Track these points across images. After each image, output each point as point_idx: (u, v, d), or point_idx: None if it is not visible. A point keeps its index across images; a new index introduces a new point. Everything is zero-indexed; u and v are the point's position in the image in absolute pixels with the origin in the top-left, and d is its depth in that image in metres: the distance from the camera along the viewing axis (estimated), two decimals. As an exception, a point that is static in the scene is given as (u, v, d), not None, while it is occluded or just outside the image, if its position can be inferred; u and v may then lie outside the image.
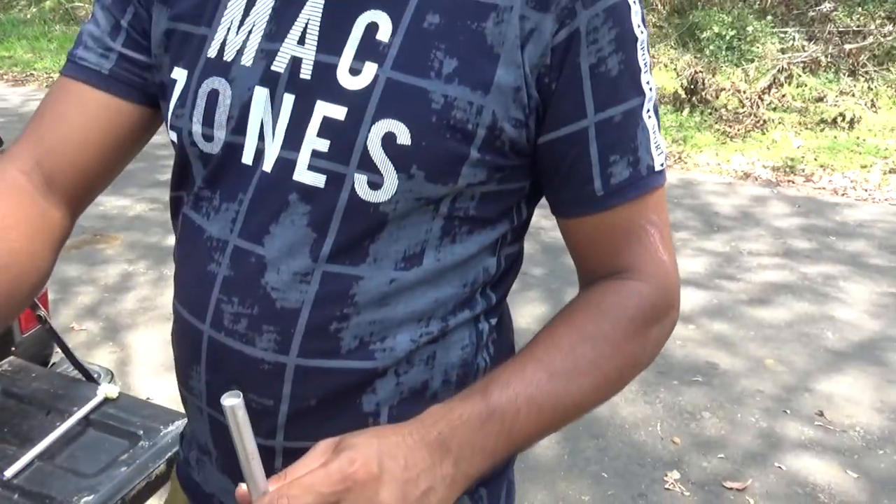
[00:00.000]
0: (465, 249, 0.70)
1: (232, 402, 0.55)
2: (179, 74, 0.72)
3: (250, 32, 0.69)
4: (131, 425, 1.45)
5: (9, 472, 1.42)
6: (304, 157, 0.66)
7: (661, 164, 0.71)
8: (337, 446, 0.58)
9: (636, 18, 0.67)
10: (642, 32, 0.68)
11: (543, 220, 4.47)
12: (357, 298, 0.68)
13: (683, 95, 6.67)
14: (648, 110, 0.69)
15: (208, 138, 0.70)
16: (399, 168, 0.64)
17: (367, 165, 0.65)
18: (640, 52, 0.67)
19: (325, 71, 0.66)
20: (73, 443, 1.46)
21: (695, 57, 7.42)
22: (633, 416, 2.72)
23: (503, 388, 0.65)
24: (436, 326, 0.70)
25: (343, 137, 0.65)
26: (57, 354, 2.02)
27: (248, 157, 0.69)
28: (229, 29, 0.70)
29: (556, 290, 3.65)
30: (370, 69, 0.65)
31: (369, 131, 0.64)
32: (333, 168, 0.66)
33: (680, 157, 5.82)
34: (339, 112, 0.65)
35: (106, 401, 1.50)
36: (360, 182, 0.65)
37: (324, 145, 0.66)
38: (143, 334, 3.22)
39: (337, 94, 0.65)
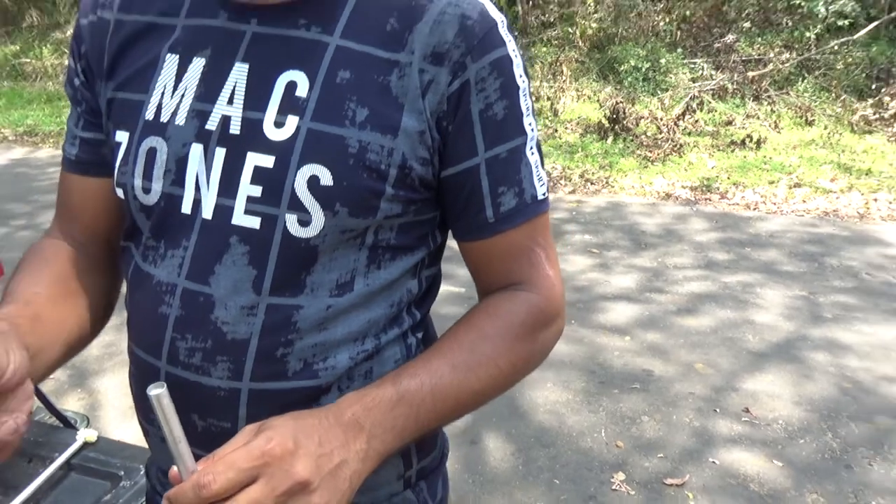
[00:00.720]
0: (390, 274, 0.76)
1: (157, 391, 0.58)
2: (122, 137, 0.77)
3: (183, 95, 0.74)
4: (112, 467, 1.45)
5: (-3, 518, 1.41)
6: (240, 203, 0.71)
7: (544, 194, 0.77)
8: (259, 428, 0.62)
9: (518, 70, 0.73)
10: (523, 81, 0.74)
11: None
12: (299, 325, 0.72)
13: (607, 125, 6.88)
14: (531, 148, 0.75)
15: (147, 191, 0.75)
16: (324, 206, 0.69)
17: (296, 206, 0.70)
18: (522, 98, 0.74)
19: (252, 126, 0.71)
20: (56, 487, 1.45)
21: (615, 88, 7.67)
22: (580, 424, 2.80)
23: (412, 377, 0.71)
24: (370, 344, 0.76)
25: (273, 183, 0.70)
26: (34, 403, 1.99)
27: (186, 207, 0.73)
28: (163, 93, 0.75)
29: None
30: (292, 121, 0.70)
31: (296, 176, 0.69)
32: (266, 210, 0.70)
33: (607, 182, 5.99)
34: (267, 161, 0.70)
35: (86, 445, 1.49)
36: (291, 221, 0.70)
37: (257, 191, 0.70)
38: (110, 379, 3.17)
39: (264, 145, 0.70)
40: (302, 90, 0.70)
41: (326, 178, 0.69)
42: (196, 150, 0.72)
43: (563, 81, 7.74)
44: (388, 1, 0.72)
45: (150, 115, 0.75)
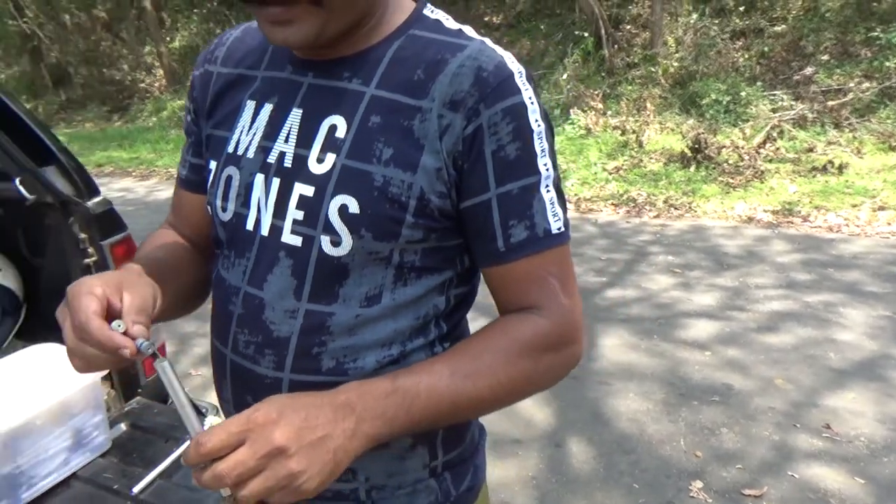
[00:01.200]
0: (415, 291, 0.78)
1: (162, 364, 0.65)
2: (213, 165, 0.85)
3: (255, 134, 0.81)
4: (233, 450, 1.52)
5: (136, 489, 1.49)
6: (287, 224, 0.77)
7: (559, 228, 0.76)
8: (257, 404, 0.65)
9: (533, 115, 0.74)
10: (539, 125, 0.74)
11: (574, 267, 4.49)
12: (332, 329, 0.76)
13: (689, 154, 6.65)
14: (547, 186, 0.75)
15: (224, 210, 0.83)
16: (352, 231, 0.74)
17: (329, 229, 0.74)
18: (537, 141, 0.74)
19: (300, 160, 0.77)
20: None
21: (697, 121, 7.40)
22: (659, 433, 2.68)
23: (410, 374, 0.71)
24: (396, 350, 0.78)
25: (312, 209, 0.75)
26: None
27: (250, 225, 0.80)
28: (242, 131, 0.82)
29: (588, 326, 3.55)
30: (331, 158, 0.75)
31: (329, 203, 0.74)
32: (307, 231, 0.76)
33: (690, 207, 5.77)
34: (309, 190, 0.76)
35: (212, 430, 1.57)
36: (325, 241, 0.75)
37: (300, 215, 0.76)
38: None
39: (308, 177, 0.76)
40: (340, 132, 0.76)
41: (354, 206, 0.73)
42: (259, 178, 0.79)
43: (647, 115, 7.54)
44: (419, 56, 0.75)
45: (230, 149, 0.83)
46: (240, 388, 0.82)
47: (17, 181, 1.69)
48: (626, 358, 3.28)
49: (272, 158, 0.78)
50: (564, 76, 8.49)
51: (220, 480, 0.60)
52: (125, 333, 0.66)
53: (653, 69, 8.23)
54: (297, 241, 0.76)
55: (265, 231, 0.78)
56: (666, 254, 4.72)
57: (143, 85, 13.61)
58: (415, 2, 0.81)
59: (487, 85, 0.71)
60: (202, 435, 0.60)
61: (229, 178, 0.81)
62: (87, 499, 1.49)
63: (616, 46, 8.86)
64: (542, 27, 10.17)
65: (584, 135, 7.48)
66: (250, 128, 0.81)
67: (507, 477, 2.47)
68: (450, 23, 0.79)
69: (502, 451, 2.62)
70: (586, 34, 8.93)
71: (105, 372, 1.19)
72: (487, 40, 0.77)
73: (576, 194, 6.08)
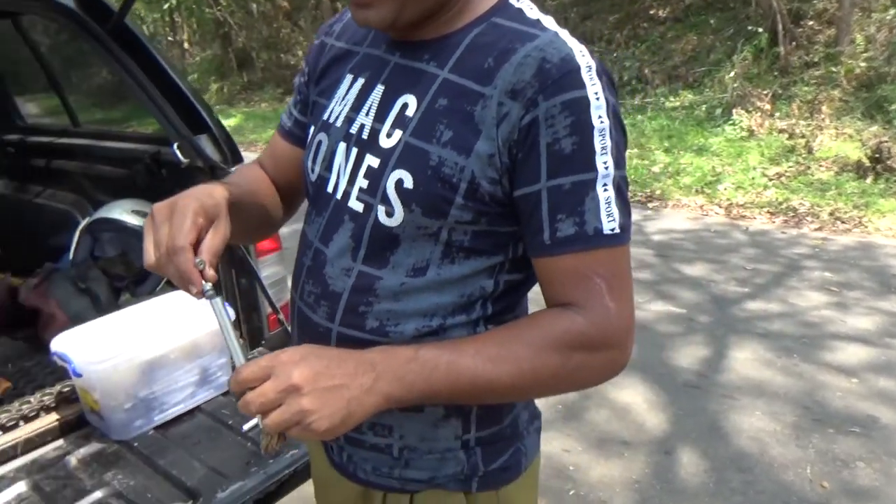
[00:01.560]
0: (461, 270, 0.80)
1: (215, 300, 0.74)
2: (311, 130, 0.92)
3: (345, 105, 0.87)
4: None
5: (246, 426, 1.66)
6: (355, 191, 0.83)
7: (613, 229, 0.74)
8: None
9: (597, 111, 0.73)
10: (602, 122, 0.73)
11: (715, 275, 4.26)
12: (378, 292, 0.81)
13: (867, 164, 6.01)
14: (605, 185, 0.73)
15: (312, 171, 0.90)
16: (404, 204, 0.78)
17: (385, 200, 0.79)
18: (597, 138, 0.73)
19: (374, 134, 0.82)
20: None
21: (882, 128, 6.66)
22: (783, 456, 2.49)
23: (434, 348, 0.74)
24: (436, 322, 0.81)
25: (375, 180, 0.80)
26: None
27: (329, 188, 0.86)
28: (336, 101, 0.89)
29: (720, 336, 3.44)
30: (398, 134, 0.80)
31: (389, 176, 0.79)
32: (368, 200, 0.81)
33: (860, 222, 5.23)
34: (375, 162, 0.81)
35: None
36: (381, 211, 0.80)
37: (365, 184, 0.81)
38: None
39: (377, 150, 0.81)
40: (410, 110, 0.80)
41: (409, 181, 0.77)
42: (342, 146, 0.85)
43: (822, 119, 6.90)
44: (494, 44, 0.77)
45: (325, 116, 0.89)
46: (301, 333, 0.90)
47: (175, 146, 1.92)
48: (757, 374, 3.07)
49: (354, 129, 0.84)
50: (731, 73, 7.98)
51: (247, 407, 0.67)
52: (201, 272, 0.73)
53: (834, 69, 7.51)
54: (359, 207, 0.82)
55: (339, 195, 0.84)
56: (823, 270, 4.32)
57: (314, 70, 14.56)
58: None
59: (549, 76, 0.72)
60: (240, 367, 0.69)
61: (319, 143, 0.89)
62: (206, 429, 1.68)
63: (794, 44, 8.17)
64: (711, 21, 9.61)
65: (745, 137, 7.01)
66: (343, 99, 0.88)
67: (609, 477, 2.42)
68: (532, 12, 0.80)
69: (607, 450, 2.57)
70: (760, 30, 8.33)
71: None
72: (563, 32, 0.77)
73: (728, 199, 5.73)
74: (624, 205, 0.75)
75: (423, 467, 0.87)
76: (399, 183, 0.78)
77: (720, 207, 5.60)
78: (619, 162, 0.75)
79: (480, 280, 0.81)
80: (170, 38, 18.20)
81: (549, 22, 0.79)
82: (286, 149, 1.02)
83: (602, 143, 0.73)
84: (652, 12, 10.62)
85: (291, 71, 15.03)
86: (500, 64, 0.75)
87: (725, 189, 5.91)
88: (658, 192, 6.02)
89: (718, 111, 7.62)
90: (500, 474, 0.90)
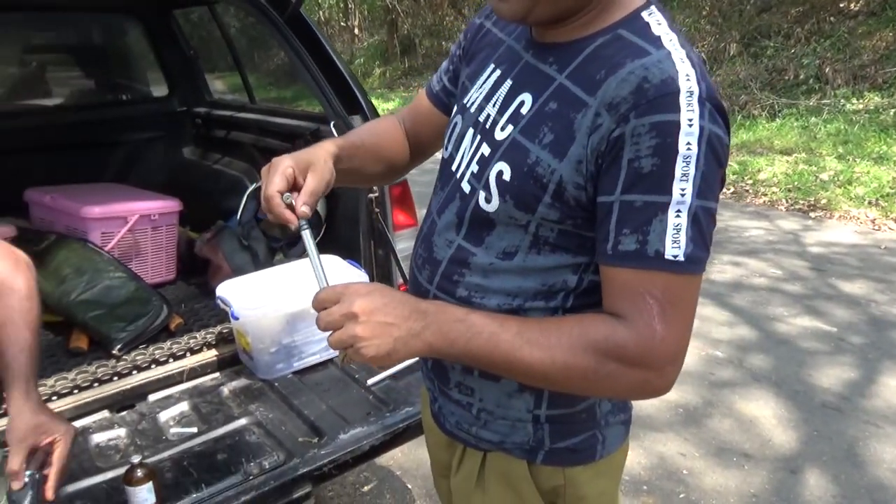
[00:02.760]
0: (546, 261, 0.86)
1: (304, 230, 0.89)
2: (455, 109, 1.02)
3: (482, 93, 0.95)
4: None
5: (370, 381, 1.83)
6: (468, 174, 0.92)
7: (676, 256, 0.74)
8: None
9: (687, 137, 0.72)
10: (690, 149, 0.72)
11: (878, 294, 3.92)
12: (471, 266, 0.90)
13: None
14: (678, 211, 0.73)
15: (446, 149, 1.01)
16: (500, 194, 0.85)
17: (486, 187, 0.87)
18: (679, 163, 0.72)
19: (494, 125, 0.89)
20: (413, 373, 1.83)
21: None
22: (928, 495, 2.30)
23: (484, 316, 0.81)
24: (517, 303, 0.88)
25: (483, 167, 0.88)
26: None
27: (454, 167, 0.96)
28: (476, 89, 0.97)
29: (873, 360, 3.19)
30: (509, 129, 0.86)
31: (494, 166, 0.86)
32: (474, 184, 0.90)
33: None
34: (487, 151, 0.89)
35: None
36: (481, 196, 0.88)
37: (476, 169, 0.90)
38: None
39: (491, 140, 0.89)
40: (525, 108, 0.86)
41: (507, 174, 0.85)
42: (470, 131, 0.95)
43: None
44: (610, 56, 0.79)
45: (465, 100, 0.99)
46: (410, 288, 1.03)
47: (332, 125, 2.13)
48: (911, 404, 2.83)
49: (482, 118, 0.92)
50: (931, 76, 7.17)
51: (319, 322, 0.80)
52: (292, 208, 0.89)
53: None
54: (467, 188, 0.91)
55: (458, 175, 0.94)
56: None
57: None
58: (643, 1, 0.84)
59: (644, 96, 0.73)
60: (320, 290, 0.82)
61: (455, 125, 0.99)
62: (336, 380, 1.88)
63: None
64: (913, 16, 8.65)
65: (938, 147, 6.29)
66: (481, 87, 0.95)
67: (724, 487, 2.37)
68: (659, 28, 0.80)
69: (726, 459, 2.51)
70: (972, 26, 7.39)
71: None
72: (679, 53, 0.77)
73: (909, 214, 5.20)
74: (699, 236, 0.75)
75: (495, 430, 0.96)
76: (500, 174, 0.85)
77: (896, 223, 5.10)
78: (704, 192, 0.74)
79: (564, 274, 0.86)
80: (342, 24, 19.31)
81: (669, 40, 0.79)
82: (427, 108, 1.13)
83: (684, 169, 0.73)
84: (842, 5, 9.73)
85: (451, 58, 15.39)
86: (608, 76, 0.77)
87: (911, 203, 5.37)
88: (823, 201, 5.59)
89: (910, 117, 6.89)
90: (569, 454, 0.95)
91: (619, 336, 0.77)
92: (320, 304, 0.81)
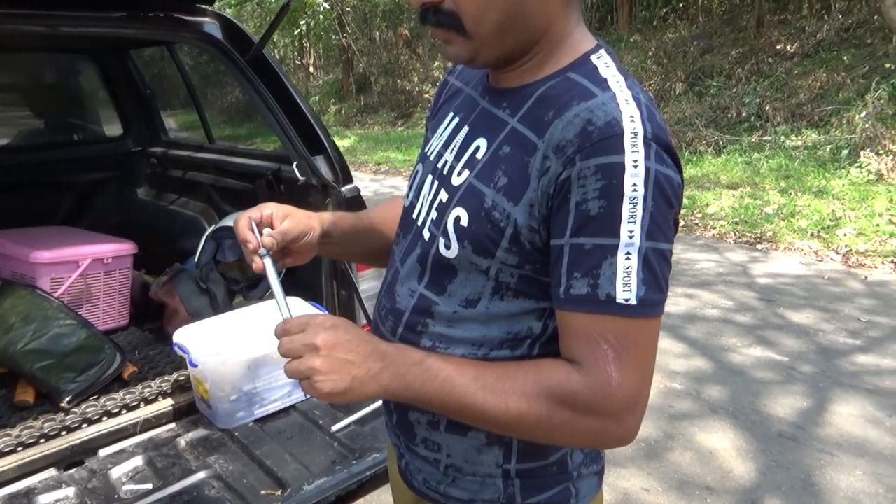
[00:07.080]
0: (510, 307, 0.84)
1: (266, 258, 0.92)
2: (416, 158, 1.03)
3: (441, 141, 0.95)
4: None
5: (335, 427, 1.78)
6: (428, 221, 0.91)
7: (627, 300, 0.72)
8: None
9: (632, 178, 0.71)
10: (636, 190, 0.71)
11: (824, 324, 4.03)
12: (434, 316, 0.88)
13: None
14: (628, 254, 0.71)
15: (407, 197, 1.00)
16: (458, 239, 0.84)
17: (445, 233, 0.86)
18: (626, 205, 0.71)
19: (451, 171, 0.89)
20: (378, 417, 1.78)
21: None
22: (883, 522, 2.34)
23: (442, 359, 0.80)
24: (482, 353, 0.86)
25: (441, 213, 0.88)
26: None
27: (415, 215, 0.95)
28: (436, 137, 0.98)
29: (824, 388, 3.26)
30: (465, 174, 0.86)
31: (451, 212, 0.85)
32: (434, 231, 0.89)
33: None
34: (445, 197, 0.88)
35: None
36: (441, 243, 0.86)
37: (435, 216, 0.89)
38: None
39: (449, 186, 0.88)
40: (480, 153, 0.86)
41: (464, 219, 0.84)
42: (429, 178, 0.94)
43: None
44: (558, 98, 0.79)
45: (426, 149, 1.00)
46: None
47: (294, 165, 2.11)
48: (861, 431, 2.89)
49: (440, 164, 0.92)
50: (863, 113, 7.54)
51: (280, 348, 0.78)
52: (260, 237, 0.95)
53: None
54: (428, 235, 0.89)
55: (419, 223, 0.93)
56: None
57: (427, 96, 15.04)
58: (593, 45, 0.84)
59: (589, 139, 0.73)
60: (284, 320, 0.80)
61: (417, 173, 0.99)
62: (298, 427, 1.82)
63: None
64: (844, 58, 9.13)
65: (872, 181, 6.58)
66: (441, 134, 0.96)
67: (689, 521, 2.37)
68: (605, 70, 0.80)
69: (689, 493, 2.51)
70: (898, 68, 7.83)
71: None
72: (624, 95, 0.76)
73: (847, 245, 5.40)
74: (652, 278, 0.73)
75: (465, 488, 0.92)
76: (457, 219, 0.84)
77: (837, 254, 5.29)
78: (654, 234, 0.72)
79: (528, 321, 0.84)
80: (297, 62, 19.36)
81: (616, 82, 0.78)
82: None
83: (632, 210, 0.71)
84: (779, 47, 10.22)
85: (406, 96, 15.57)
86: (555, 118, 0.77)
87: (845, 235, 5.58)
88: (769, 233, 5.77)
89: (845, 152, 7.22)
90: None
91: (573, 383, 0.75)
92: (283, 333, 0.79)
